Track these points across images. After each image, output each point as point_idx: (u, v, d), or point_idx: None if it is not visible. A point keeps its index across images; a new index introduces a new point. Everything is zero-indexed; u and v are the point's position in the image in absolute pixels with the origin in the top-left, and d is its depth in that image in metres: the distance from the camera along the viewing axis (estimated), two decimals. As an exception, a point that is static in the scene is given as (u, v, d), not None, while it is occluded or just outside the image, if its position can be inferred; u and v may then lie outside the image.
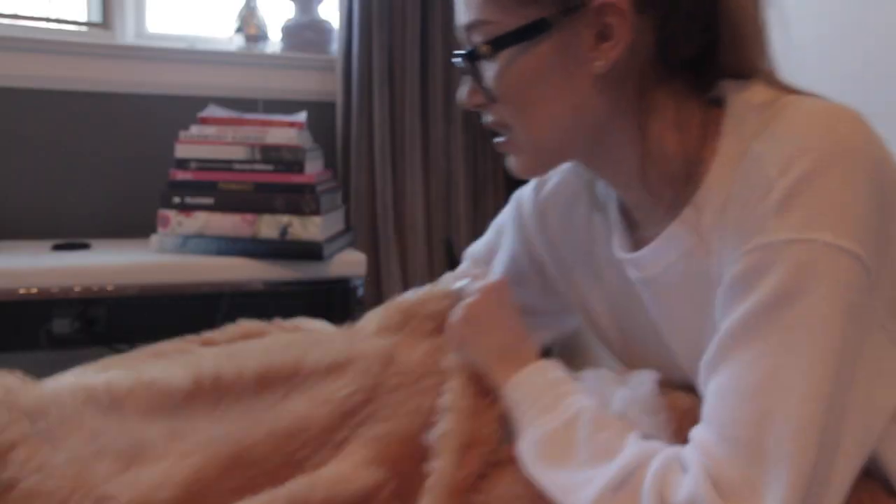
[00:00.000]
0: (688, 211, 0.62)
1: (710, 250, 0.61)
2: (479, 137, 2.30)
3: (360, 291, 1.93)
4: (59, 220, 2.05)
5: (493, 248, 0.92)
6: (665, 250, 0.66)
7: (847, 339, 0.52)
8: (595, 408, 0.63)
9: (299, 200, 1.74)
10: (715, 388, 0.56)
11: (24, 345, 2.04)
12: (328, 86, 2.20)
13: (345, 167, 2.20)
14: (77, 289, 1.66)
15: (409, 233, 2.22)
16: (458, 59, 0.65)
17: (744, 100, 0.61)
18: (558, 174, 0.83)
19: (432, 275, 2.25)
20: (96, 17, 2.17)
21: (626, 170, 0.66)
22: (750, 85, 0.62)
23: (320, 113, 2.15)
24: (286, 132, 1.78)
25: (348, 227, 2.01)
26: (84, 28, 2.16)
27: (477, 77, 0.65)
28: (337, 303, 2.23)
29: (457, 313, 0.76)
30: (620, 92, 0.62)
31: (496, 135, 0.69)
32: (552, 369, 0.70)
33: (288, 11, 2.28)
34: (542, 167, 0.71)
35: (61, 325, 2.04)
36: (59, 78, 2.02)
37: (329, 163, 2.06)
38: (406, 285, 2.22)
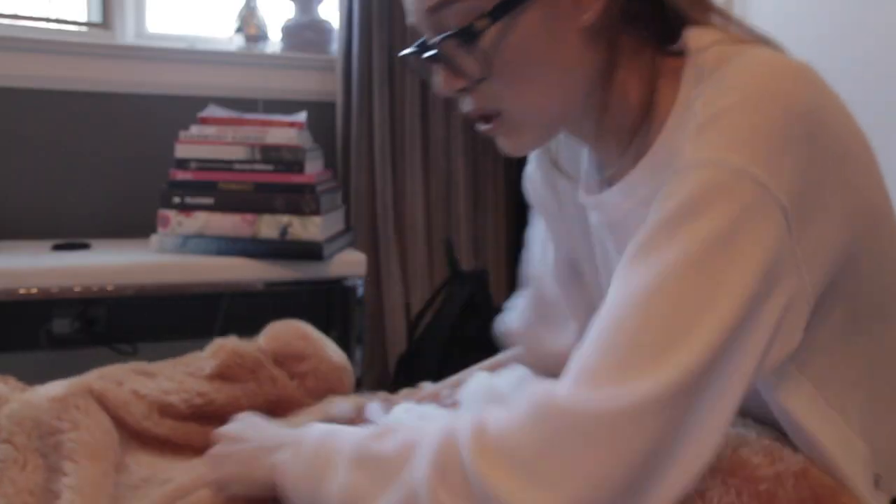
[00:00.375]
0: (647, 158, 0.62)
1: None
2: (479, 137, 2.30)
3: (360, 291, 1.93)
4: (59, 220, 2.05)
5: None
6: (625, 194, 0.64)
7: (742, 264, 0.50)
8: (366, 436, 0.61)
9: (299, 200, 1.74)
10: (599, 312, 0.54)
11: (24, 345, 2.04)
12: (328, 86, 2.20)
13: (345, 167, 2.20)
14: (77, 289, 1.67)
15: (409, 233, 2.22)
16: (433, 47, 0.61)
17: (701, 49, 0.60)
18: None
19: (432, 275, 2.25)
20: (96, 17, 2.17)
21: (600, 124, 0.65)
22: (710, 34, 0.61)
23: (320, 113, 2.15)
24: (286, 132, 1.78)
25: (348, 227, 2.01)
26: (84, 28, 2.16)
27: (459, 59, 0.61)
28: (337, 303, 2.23)
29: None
30: (599, 45, 0.61)
31: (482, 122, 0.65)
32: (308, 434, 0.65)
33: (288, 11, 2.28)
34: (542, 139, 0.68)
35: (61, 325, 2.04)
36: (59, 78, 2.02)
37: (329, 163, 2.06)
38: (406, 285, 2.22)
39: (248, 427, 0.69)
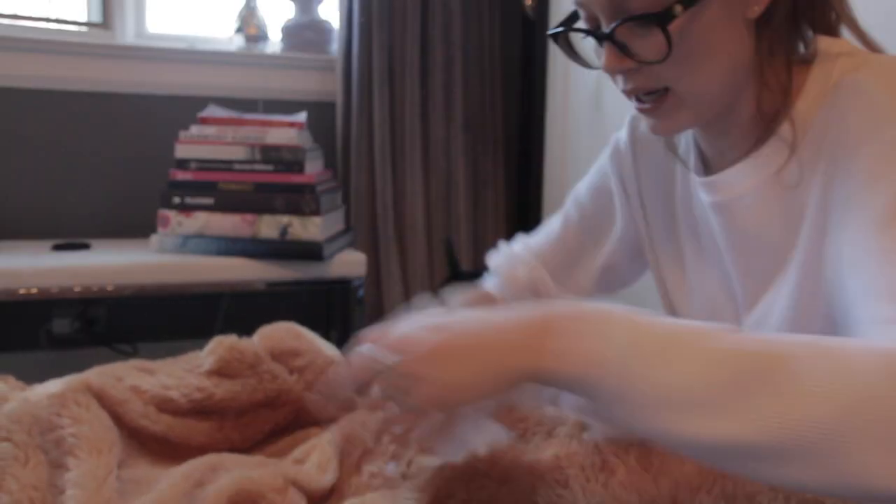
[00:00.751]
0: (772, 140, 0.66)
1: (804, 176, 0.64)
2: (479, 137, 2.30)
3: (360, 291, 1.93)
4: (59, 220, 2.05)
5: (596, 186, 0.91)
6: (749, 171, 0.67)
7: None
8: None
9: (299, 200, 1.74)
10: (868, 273, 0.54)
11: (24, 345, 2.04)
12: (328, 86, 2.20)
13: (345, 167, 2.20)
14: (77, 289, 1.67)
15: (409, 233, 2.22)
16: (610, 28, 0.63)
17: (832, 50, 0.65)
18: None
19: (432, 275, 2.25)
20: (96, 17, 2.17)
21: (737, 112, 0.68)
22: (839, 40, 0.66)
23: (320, 113, 2.15)
24: (286, 132, 1.78)
25: (348, 227, 2.01)
26: (84, 28, 2.16)
27: (635, 40, 0.63)
28: (337, 303, 2.23)
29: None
30: (756, 38, 0.65)
31: (643, 98, 0.67)
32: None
33: (288, 11, 2.28)
34: (698, 121, 0.69)
35: (61, 325, 2.04)
36: (59, 78, 2.02)
37: (329, 163, 2.07)
38: (406, 285, 2.22)
39: (451, 316, 0.54)
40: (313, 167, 1.81)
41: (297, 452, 0.73)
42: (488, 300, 0.91)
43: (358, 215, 2.17)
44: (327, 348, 0.89)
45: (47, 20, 2.13)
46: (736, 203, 0.69)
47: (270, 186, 1.76)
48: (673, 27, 0.60)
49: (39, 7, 2.13)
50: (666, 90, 0.65)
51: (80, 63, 2.04)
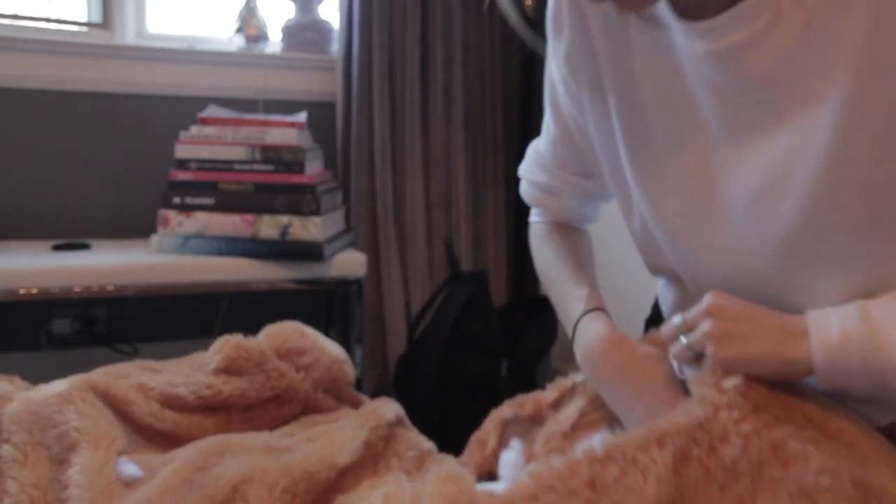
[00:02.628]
0: None
1: (802, 34, 0.56)
2: (479, 137, 2.30)
3: (361, 291, 1.93)
4: (59, 220, 2.05)
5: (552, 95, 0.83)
6: (748, 12, 0.58)
7: None
8: None
9: (299, 200, 1.74)
10: None
11: (24, 345, 2.04)
12: (328, 86, 2.20)
13: (345, 167, 2.20)
14: (77, 289, 1.67)
15: (409, 233, 2.22)
16: None
17: None
18: None
19: (432, 275, 2.25)
20: (96, 18, 2.17)
21: None
22: None
23: (320, 113, 2.15)
24: (286, 132, 1.78)
25: (348, 227, 2.01)
26: (84, 28, 2.16)
27: None
28: (337, 303, 2.23)
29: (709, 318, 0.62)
30: None
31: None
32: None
33: (288, 11, 2.28)
34: None
35: (61, 326, 2.04)
36: (59, 78, 2.02)
37: (329, 163, 2.07)
38: (406, 285, 2.22)
39: (742, 303, 0.61)
40: (313, 167, 1.81)
41: (312, 432, 0.74)
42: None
43: (358, 215, 2.17)
44: (332, 346, 0.89)
45: (47, 20, 2.12)
46: (742, 48, 0.60)
47: (270, 186, 1.76)
48: None
49: (39, 7, 2.13)
50: None
51: (80, 63, 2.04)
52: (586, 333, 0.75)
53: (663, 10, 0.65)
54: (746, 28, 0.59)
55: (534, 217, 0.97)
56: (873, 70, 0.54)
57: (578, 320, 0.77)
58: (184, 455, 0.67)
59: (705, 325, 0.61)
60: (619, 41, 0.70)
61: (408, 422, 0.87)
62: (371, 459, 0.73)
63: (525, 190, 0.96)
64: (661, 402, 0.65)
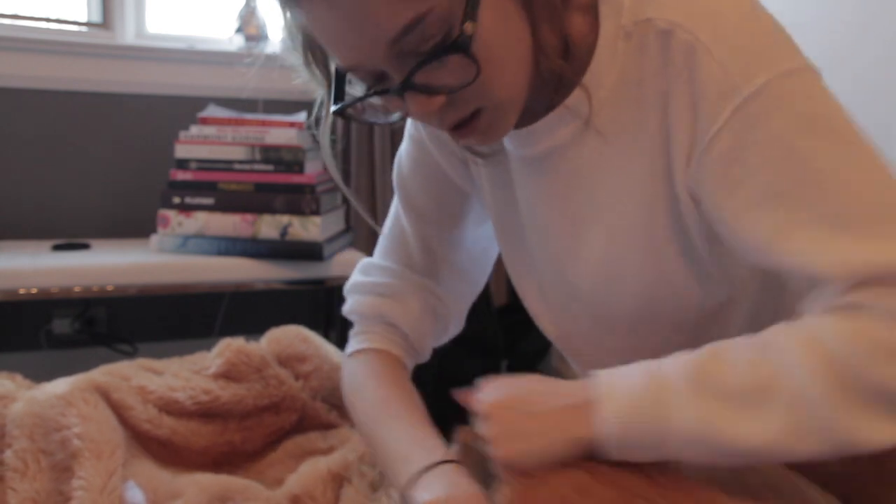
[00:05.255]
0: (577, 92, 0.63)
1: (606, 138, 0.63)
2: (478, 137, 2.30)
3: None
4: (59, 220, 2.05)
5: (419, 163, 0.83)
6: (555, 126, 0.65)
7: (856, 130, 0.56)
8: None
9: (299, 200, 1.74)
10: (805, 236, 0.54)
11: (24, 345, 2.04)
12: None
13: (345, 167, 2.20)
14: (77, 289, 1.67)
15: (409, 233, 2.22)
16: (407, 77, 0.56)
17: None
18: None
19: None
20: (96, 17, 2.17)
21: (537, 78, 0.63)
22: None
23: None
24: (286, 132, 1.78)
25: (348, 227, 2.01)
26: (84, 28, 2.16)
27: (435, 75, 0.57)
28: (337, 303, 2.22)
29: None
30: (526, 7, 0.60)
31: (458, 127, 0.61)
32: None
33: (288, 11, 2.28)
34: (517, 114, 0.64)
35: (61, 325, 2.04)
36: (59, 78, 2.02)
37: (329, 163, 2.06)
38: (406, 285, 2.22)
39: (516, 392, 0.59)
40: (313, 167, 1.81)
41: (293, 482, 0.73)
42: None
43: (358, 215, 2.17)
44: (334, 353, 0.89)
45: (47, 20, 2.12)
46: (550, 158, 0.67)
47: (270, 186, 1.76)
48: (475, 44, 0.55)
49: (39, 7, 2.13)
50: (477, 110, 0.60)
51: (80, 63, 2.03)
52: (443, 487, 0.63)
53: None
54: (556, 134, 0.65)
55: (355, 345, 0.81)
56: (660, 182, 0.62)
57: (432, 467, 0.66)
58: (189, 495, 0.67)
59: (486, 430, 0.59)
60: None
61: None
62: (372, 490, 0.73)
63: (355, 304, 0.83)
64: None
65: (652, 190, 0.63)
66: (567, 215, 0.69)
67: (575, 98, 0.64)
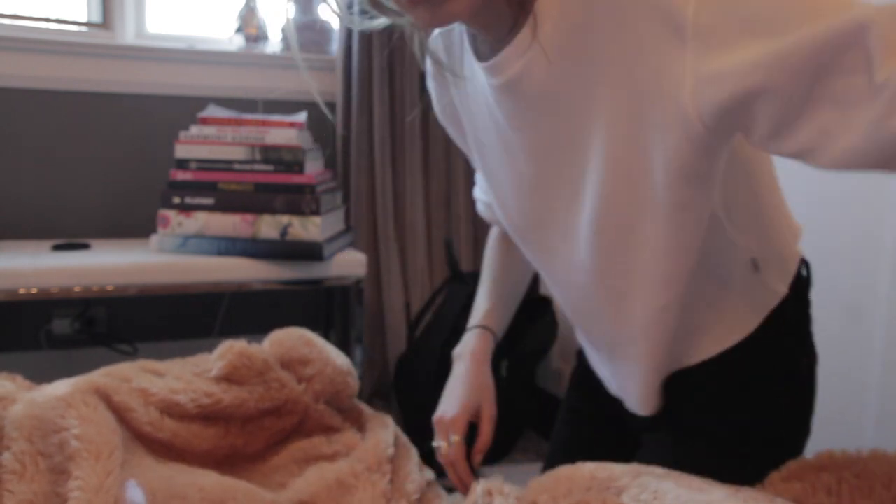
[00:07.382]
0: (529, 20, 0.66)
1: (559, 73, 0.65)
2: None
3: (361, 292, 1.93)
4: (59, 220, 2.05)
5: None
6: (514, 55, 0.67)
7: None
8: None
9: (299, 200, 1.74)
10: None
11: (24, 345, 2.04)
12: (328, 86, 2.20)
13: (345, 167, 2.20)
14: (77, 289, 1.67)
15: (409, 233, 2.22)
16: None
17: None
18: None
19: (432, 275, 2.25)
20: (96, 17, 2.17)
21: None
22: None
23: (320, 113, 2.15)
24: (286, 132, 1.78)
25: (348, 227, 2.01)
26: (84, 28, 2.16)
27: None
28: (337, 303, 2.22)
29: None
30: None
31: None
32: None
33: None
34: (472, 5, 0.65)
35: (61, 326, 2.04)
36: (59, 78, 2.02)
37: (329, 163, 2.06)
38: (406, 285, 2.22)
39: None
40: (313, 167, 1.81)
41: (299, 488, 0.73)
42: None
43: (358, 215, 2.17)
44: (337, 357, 0.89)
45: (47, 20, 2.12)
46: (521, 84, 0.68)
47: (270, 186, 1.76)
48: None
49: (39, 7, 2.13)
50: None
51: (80, 63, 2.03)
52: (465, 343, 0.97)
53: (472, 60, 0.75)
54: (517, 62, 0.67)
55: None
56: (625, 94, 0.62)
57: (470, 328, 0.99)
58: (191, 499, 0.66)
59: None
60: (463, 95, 0.81)
61: (406, 443, 0.86)
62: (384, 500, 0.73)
63: (479, 209, 1.02)
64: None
65: (619, 116, 0.64)
66: (538, 138, 0.72)
67: (529, 24, 0.66)
